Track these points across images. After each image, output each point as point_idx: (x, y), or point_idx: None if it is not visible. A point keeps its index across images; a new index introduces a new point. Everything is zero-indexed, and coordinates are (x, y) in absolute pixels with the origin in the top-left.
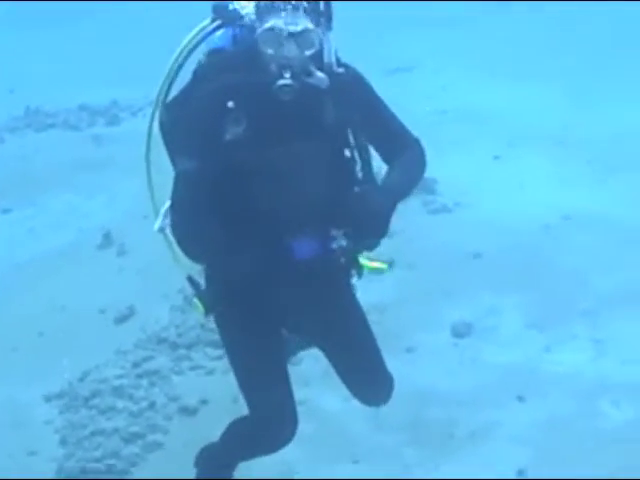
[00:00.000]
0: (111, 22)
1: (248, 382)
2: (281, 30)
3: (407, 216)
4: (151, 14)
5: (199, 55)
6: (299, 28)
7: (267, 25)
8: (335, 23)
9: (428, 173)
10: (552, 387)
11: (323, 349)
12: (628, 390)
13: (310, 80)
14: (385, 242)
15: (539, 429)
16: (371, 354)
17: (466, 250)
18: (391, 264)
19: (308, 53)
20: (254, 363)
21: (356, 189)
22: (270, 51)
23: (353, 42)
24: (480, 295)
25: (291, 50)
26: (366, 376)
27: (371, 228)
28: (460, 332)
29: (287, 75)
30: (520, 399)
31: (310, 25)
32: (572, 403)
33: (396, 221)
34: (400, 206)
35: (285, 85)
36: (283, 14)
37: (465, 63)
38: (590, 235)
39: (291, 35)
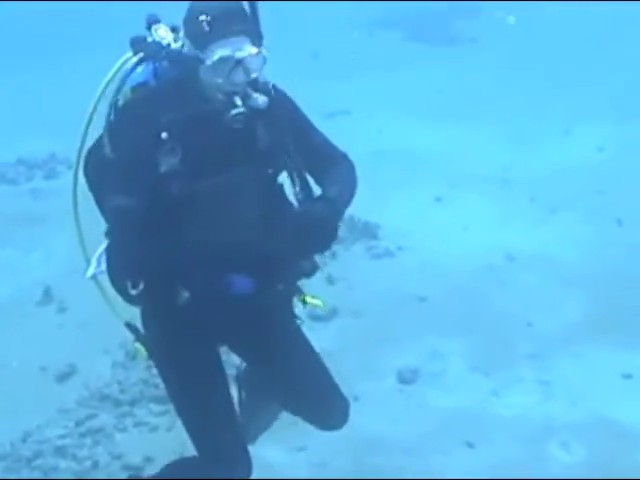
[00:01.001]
0: (48, 71)
1: (198, 424)
2: (229, 58)
3: (350, 262)
4: (91, 62)
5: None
6: (245, 53)
7: (216, 57)
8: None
9: (370, 218)
10: (500, 431)
11: (273, 384)
12: (577, 431)
13: (252, 103)
14: (328, 289)
15: (488, 475)
16: (322, 377)
17: (410, 294)
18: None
19: (253, 76)
20: (203, 403)
21: (297, 207)
22: (219, 80)
23: (288, 88)
24: (425, 340)
25: (239, 76)
26: (319, 398)
27: (320, 237)
28: (406, 378)
29: (239, 102)
30: (469, 445)
31: (254, 49)
32: (521, 447)
33: (338, 267)
34: (343, 252)
35: (239, 113)
36: (226, 41)
37: (400, 106)
38: (533, 275)
39: (238, 62)
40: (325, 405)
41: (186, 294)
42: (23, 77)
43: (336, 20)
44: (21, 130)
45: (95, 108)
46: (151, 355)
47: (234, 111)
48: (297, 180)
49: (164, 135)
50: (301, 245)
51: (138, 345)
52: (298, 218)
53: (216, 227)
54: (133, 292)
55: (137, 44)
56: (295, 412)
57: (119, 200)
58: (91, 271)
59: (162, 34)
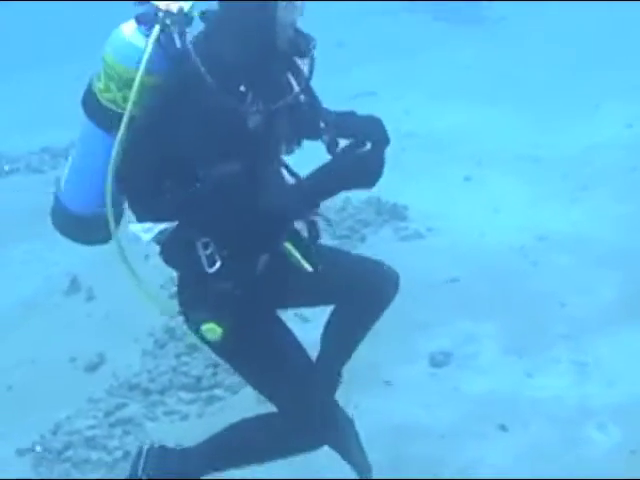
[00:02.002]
0: (69, 63)
1: (303, 380)
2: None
3: (378, 245)
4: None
5: None
6: None
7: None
8: None
9: (398, 199)
10: (535, 414)
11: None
12: (614, 412)
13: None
14: None
15: (525, 461)
16: (364, 260)
17: (441, 277)
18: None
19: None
20: (304, 359)
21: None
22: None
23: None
24: (457, 323)
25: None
26: (371, 274)
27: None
28: (438, 362)
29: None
30: (503, 428)
31: None
32: (557, 430)
33: (367, 250)
34: (371, 235)
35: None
36: None
37: (426, 89)
38: (566, 255)
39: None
40: (378, 277)
41: (265, 257)
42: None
43: (361, 7)
44: (42, 121)
45: (141, 83)
46: (230, 330)
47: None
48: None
49: (242, 88)
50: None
51: (209, 325)
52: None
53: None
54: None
55: (150, 17)
56: (355, 299)
57: (224, 167)
58: (148, 236)
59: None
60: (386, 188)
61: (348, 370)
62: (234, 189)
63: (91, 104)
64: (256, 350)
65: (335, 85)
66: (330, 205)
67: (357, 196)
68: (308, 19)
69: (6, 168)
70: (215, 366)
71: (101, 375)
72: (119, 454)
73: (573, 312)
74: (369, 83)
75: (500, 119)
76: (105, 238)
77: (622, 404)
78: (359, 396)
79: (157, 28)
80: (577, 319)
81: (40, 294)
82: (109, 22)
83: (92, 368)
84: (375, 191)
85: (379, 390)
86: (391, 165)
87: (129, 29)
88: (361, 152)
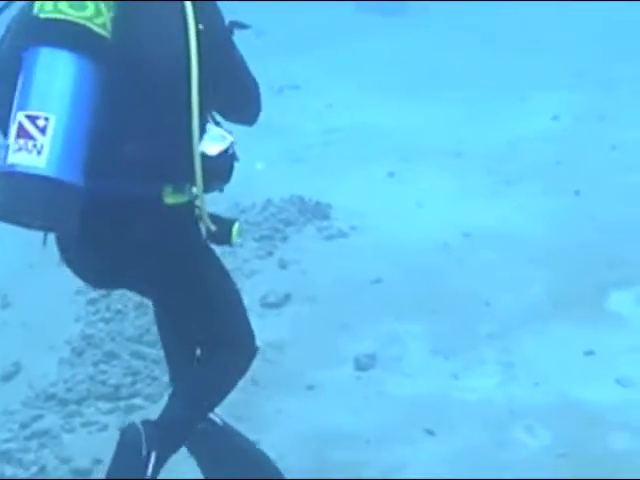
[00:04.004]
0: None
1: (234, 310)
2: None
3: (302, 244)
4: None
5: None
6: None
7: None
8: None
9: (321, 198)
10: (463, 417)
11: None
12: (541, 413)
13: None
14: (281, 274)
15: (452, 464)
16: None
17: (365, 277)
18: None
19: None
20: (235, 290)
21: None
22: None
23: None
24: (382, 324)
25: None
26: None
27: None
28: (363, 365)
29: None
30: (430, 433)
31: None
32: (485, 432)
33: (290, 251)
34: (294, 234)
35: None
36: None
37: (350, 82)
38: (490, 252)
39: None
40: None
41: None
42: None
43: None
44: None
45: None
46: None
47: None
48: None
49: None
50: None
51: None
52: None
53: None
54: None
55: None
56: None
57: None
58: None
59: None
60: (309, 186)
61: (270, 374)
62: None
63: None
64: (205, 274)
65: (257, 76)
66: (251, 204)
67: (279, 195)
68: (227, 5)
69: None
70: (134, 374)
71: (17, 385)
72: (35, 469)
73: (499, 310)
74: (291, 75)
75: (425, 112)
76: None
77: (549, 405)
78: (282, 401)
79: None
80: (503, 317)
81: None
82: None
83: (7, 377)
84: (298, 189)
85: (302, 395)
86: (314, 162)
87: None
88: None
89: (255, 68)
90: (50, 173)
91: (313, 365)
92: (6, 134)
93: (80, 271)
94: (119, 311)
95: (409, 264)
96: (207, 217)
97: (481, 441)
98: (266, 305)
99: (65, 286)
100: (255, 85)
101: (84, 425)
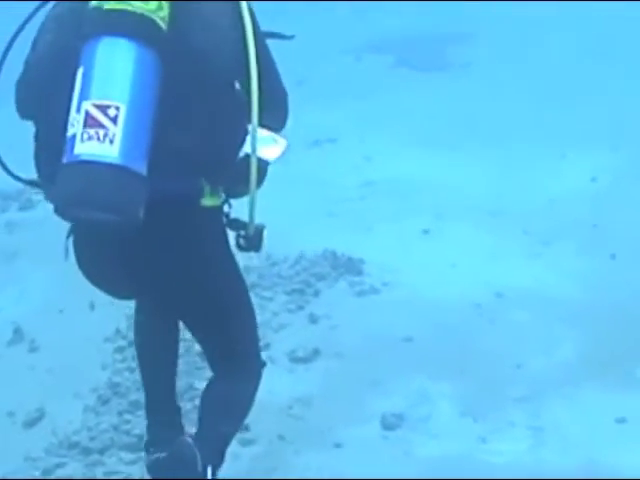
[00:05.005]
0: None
1: (253, 323)
2: None
3: (333, 299)
4: None
5: None
6: None
7: None
8: None
9: (354, 253)
10: None
11: None
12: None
13: None
14: (310, 329)
15: None
16: None
17: (395, 334)
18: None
19: None
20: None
21: None
22: None
23: None
24: (411, 382)
25: None
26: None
27: None
28: (390, 424)
29: None
30: None
31: None
32: None
33: (321, 305)
34: (325, 289)
35: None
36: None
37: (388, 134)
38: (523, 313)
39: None
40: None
41: None
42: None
43: (323, 45)
44: None
45: None
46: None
47: None
48: None
49: None
50: None
51: None
52: None
53: None
54: None
55: None
56: None
57: None
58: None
59: None
60: (342, 240)
61: (298, 430)
62: None
63: None
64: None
65: (293, 127)
66: (283, 257)
67: (312, 249)
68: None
69: None
70: None
71: (40, 431)
72: None
73: (530, 373)
74: (329, 126)
75: (463, 168)
76: None
77: (578, 471)
78: (309, 458)
79: None
80: (533, 380)
81: None
82: None
83: (31, 424)
84: (331, 244)
85: (330, 453)
86: (349, 216)
87: None
88: None
89: (292, 119)
90: (122, 162)
91: (341, 422)
92: (56, 126)
93: (97, 274)
94: None
95: (441, 323)
96: (251, 223)
97: None
98: (295, 360)
99: (94, 333)
100: (285, 90)
101: (106, 474)
